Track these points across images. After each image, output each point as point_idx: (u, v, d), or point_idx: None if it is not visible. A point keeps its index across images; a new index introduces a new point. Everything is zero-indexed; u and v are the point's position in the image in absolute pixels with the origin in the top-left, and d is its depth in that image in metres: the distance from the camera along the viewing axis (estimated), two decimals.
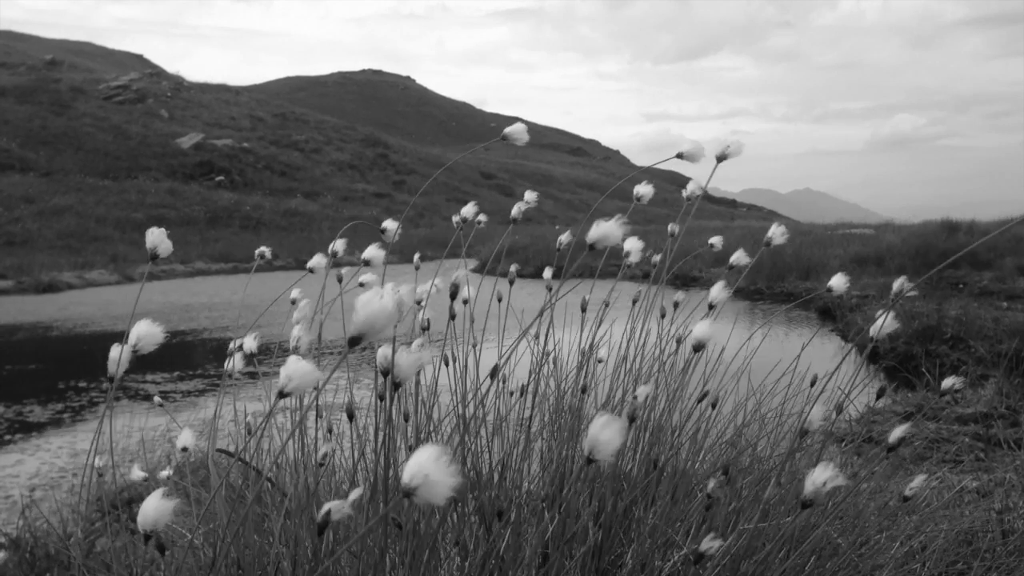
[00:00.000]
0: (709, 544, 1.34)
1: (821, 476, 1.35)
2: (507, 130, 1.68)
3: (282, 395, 1.03)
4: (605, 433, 1.08)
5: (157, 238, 1.39)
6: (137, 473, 2.11)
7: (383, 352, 1.38)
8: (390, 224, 1.92)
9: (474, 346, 2.18)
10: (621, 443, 1.09)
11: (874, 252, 14.08)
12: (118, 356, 1.26)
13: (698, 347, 1.72)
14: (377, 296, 0.92)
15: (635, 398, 1.73)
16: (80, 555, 2.02)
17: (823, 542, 1.88)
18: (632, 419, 1.68)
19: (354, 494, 1.14)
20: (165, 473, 2.09)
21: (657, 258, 2.38)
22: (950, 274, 11.71)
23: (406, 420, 1.94)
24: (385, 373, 1.36)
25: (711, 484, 1.60)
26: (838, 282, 1.94)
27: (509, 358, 1.72)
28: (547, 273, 2.49)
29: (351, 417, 1.81)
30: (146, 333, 1.30)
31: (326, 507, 0.94)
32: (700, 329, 1.72)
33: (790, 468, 2.00)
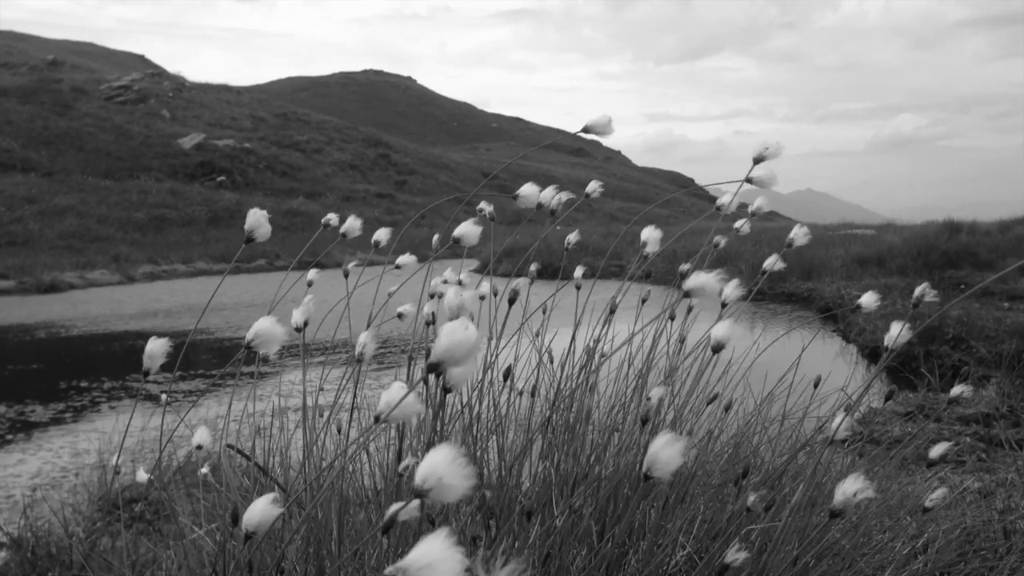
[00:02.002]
0: (735, 556, 1.32)
1: (852, 487, 1.32)
2: (589, 121, 1.68)
3: (247, 347, 1.02)
4: (666, 452, 1.08)
5: (257, 220, 1.34)
6: (141, 475, 2.11)
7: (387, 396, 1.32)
8: (383, 233, 1.92)
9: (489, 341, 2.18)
10: (681, 464, 1.08)
11: (875, 252, 14.07)
12: (154, 350, 1.28)
13: (717, 348, 1.69)
14: (462, 327, 0.92)
15: (648, 399, 1.71)
16: (82, 554, 2.02)
17: (826, 542, 1.88)
18: (645, 421, 1.67)
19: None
20: (204, 470, 2.09)
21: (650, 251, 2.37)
22: (952, 274, 11.70)
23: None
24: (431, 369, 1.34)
25: (751, 498, 1.59)
26: (868, 300, 1.93)
27: (516, 358, 1.72)
28: (578, 271, 2.48)
29: (377, 420, 1.77)
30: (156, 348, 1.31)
31: (393, 508, 0.91)
32: (719, 330, 1.69)
33: (794, 469, 1.99)
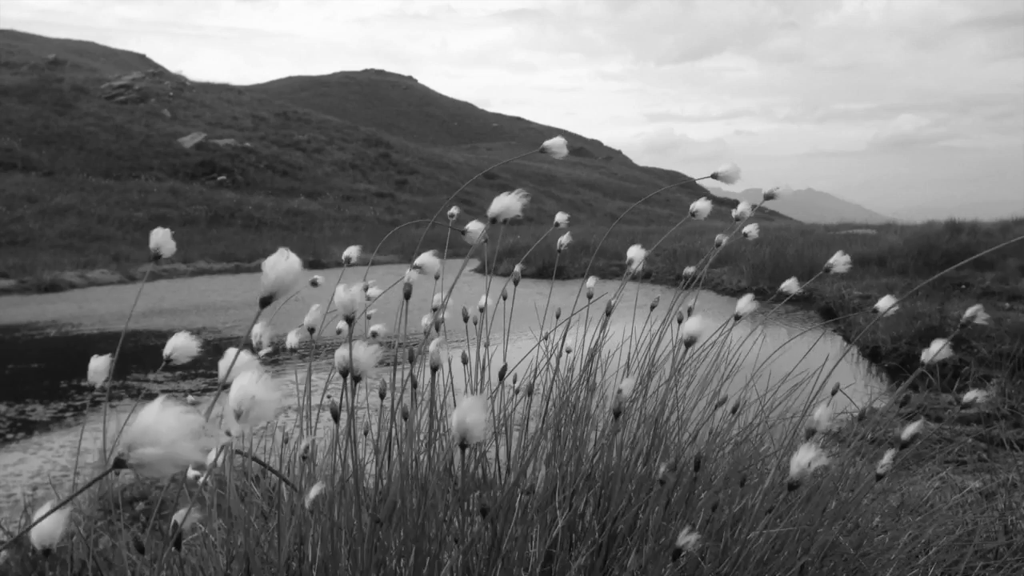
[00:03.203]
0: (686, 539, 1.35)
1: (805, 457, 1.35)
2: (547, 143, 1.67)
3: (167, 361, 1.03)
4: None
5: (161, 239, 1.40)
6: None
7: (341, 353, 1.39)
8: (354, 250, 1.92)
9: (486, 345, 2.19)
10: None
11: (876, 253, 14.07)
12: (98, 367, 1.32)
13: (689, 342, 1.72)
14: (283, 257, 1.01)
15: (619, 391, 1.70)
16: (82, 554, 2.02)
17: (826, 542, 1.87)
18: (617, 413, 1.67)
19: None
20: (194, 473, 2.09)
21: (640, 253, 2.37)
22: (952, 274, 11.70)
23: (404, 419, 1.94)
24: (344, 373, 1.38)
25: (662, 469, 1.58)
26: (885, 303, 1.95)
27: (509, 355, 1.72)
28: (591, 281, 2.48)
29: (336, 417, 1.77)
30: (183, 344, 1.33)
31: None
32: (690, 325, 1.72)
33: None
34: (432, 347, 1.81)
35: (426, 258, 1.76)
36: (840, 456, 2.14)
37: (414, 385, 1.91)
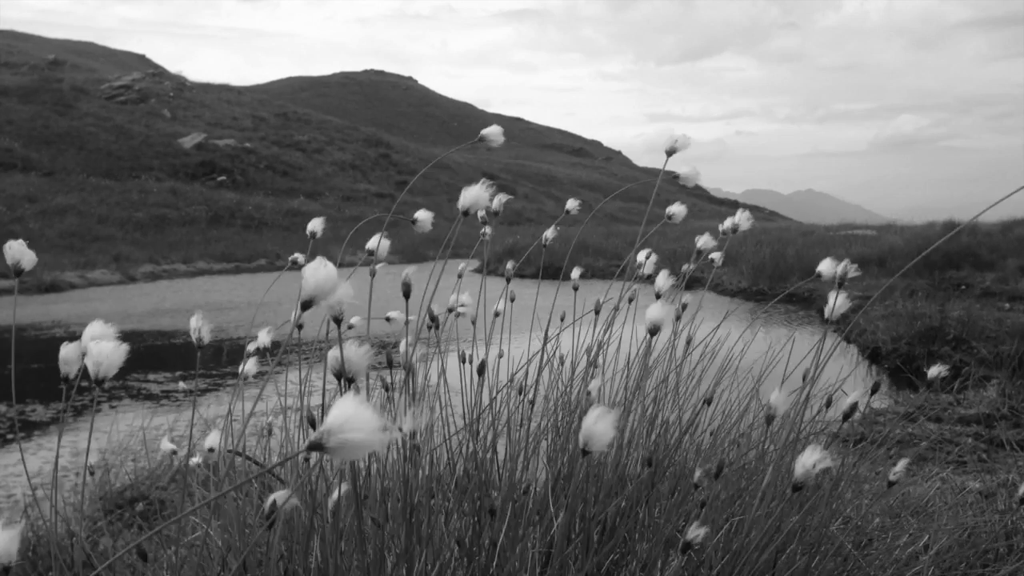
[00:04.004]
0: (696, 532, 1.31)
1: (810, 459, 1.32)
2: (484, 131, 1.68)
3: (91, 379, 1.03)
4: (599, 426, 1.12)
5: (18, 252, 1.36)
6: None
7: (333, 354, 1.36)
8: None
9: (489, 346, 2.18)
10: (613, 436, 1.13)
11: (876, 253, 14.07)
12: (197, 326, 1.35)
13: (653, 330, 1.69)
14: (321, 265, 1.06)
15: (588, 394, 1.68)
16: (82, 554, 2.02)
17: (826, 542, 1.87)
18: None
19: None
20: (195, 460, 2.09)
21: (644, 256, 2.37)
22: (952, 275, 11.70)
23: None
24: (338, 376, 1.34)
25: (697, 473, 1.58)
26: (826, 267, 1.91)
27: (507, 356, 1.72)
28: (575, 273, 2.47)
29: (312, 424, 1.73)
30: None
31: None
32: (653, 312, 1.68)
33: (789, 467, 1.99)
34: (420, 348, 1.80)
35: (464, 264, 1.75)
36: (842, 457, 2.14)
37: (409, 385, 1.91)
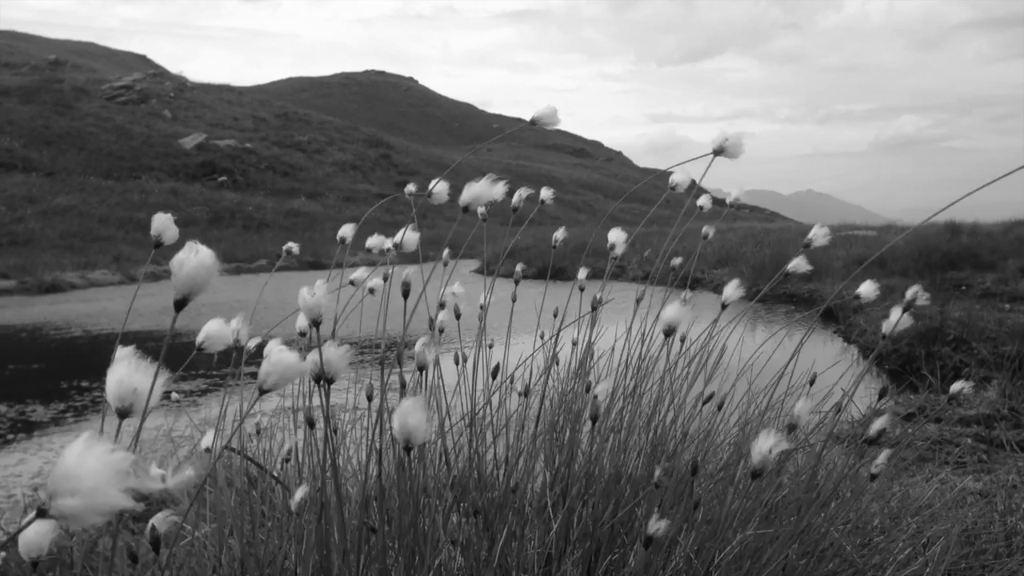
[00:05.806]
0: (656, 526, 1.28)
1: (766, 444, 1.29)
2: (536, 113, 1.49)
3: (262, 391, 1.03)
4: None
5: (163, 224, 1.33)
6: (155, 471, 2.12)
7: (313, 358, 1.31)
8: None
9: (490, 346, 2.19)
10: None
11: (876, 253, 14.07)
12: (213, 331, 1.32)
13: (668, 332, 1.69)
14: (192, 253, 0.91)
15: (595, 397, 1.68)
16: (82, 554, 2.02)
17: (826, 542, 1.87)
18: (595, 419, 1.65)
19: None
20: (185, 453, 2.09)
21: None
22: (953, 276, 11.69)
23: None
24: (317, 379, 1.31)
25: (656, 472, 1.58)
26: (867, 290, 1.97)
27: (508, 356, 1.72)
28: (582, 273, 2.48)
29: (311, 425, 1.72)
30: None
31: None
32: (669, 312, 1.68)
33: (794, 469, 1.99)
34: (418, 347, 1.80)
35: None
36: (843, 456, 2.14)
37: (403, 386, 1.91)
